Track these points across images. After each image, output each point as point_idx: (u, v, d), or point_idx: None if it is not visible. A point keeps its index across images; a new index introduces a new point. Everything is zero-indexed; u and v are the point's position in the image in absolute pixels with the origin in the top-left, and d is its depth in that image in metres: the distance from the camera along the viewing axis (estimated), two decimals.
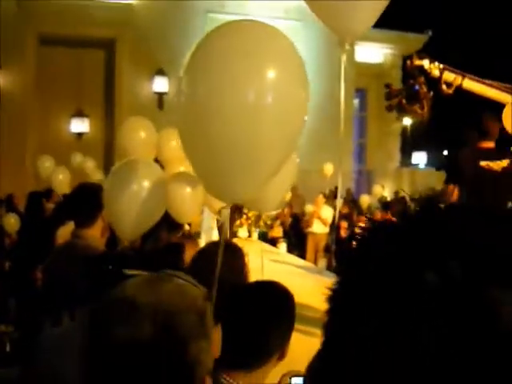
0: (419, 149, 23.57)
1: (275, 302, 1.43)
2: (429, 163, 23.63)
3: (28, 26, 12.10)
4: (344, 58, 2.69)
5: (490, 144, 4.47)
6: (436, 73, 5.40)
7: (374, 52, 16.21)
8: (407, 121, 20.85)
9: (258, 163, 1.69)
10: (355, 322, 0.37)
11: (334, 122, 13.75)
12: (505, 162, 4.30)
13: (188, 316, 0.85)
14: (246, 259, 1.94)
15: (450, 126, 24.06)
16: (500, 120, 4.46)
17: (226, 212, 1.77)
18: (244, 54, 1.64)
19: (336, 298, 0.40)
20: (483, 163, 4.30)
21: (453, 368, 0.32)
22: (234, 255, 1.91)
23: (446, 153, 27.42)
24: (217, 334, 0.95)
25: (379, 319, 0.35)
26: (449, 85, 5.60)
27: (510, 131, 5.01)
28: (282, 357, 1.41)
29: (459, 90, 5.42)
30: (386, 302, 0.35)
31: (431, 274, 0.34)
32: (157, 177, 2.94)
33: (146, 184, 2.87)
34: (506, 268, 0.33)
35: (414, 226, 0.39)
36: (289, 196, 9.88)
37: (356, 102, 16.32)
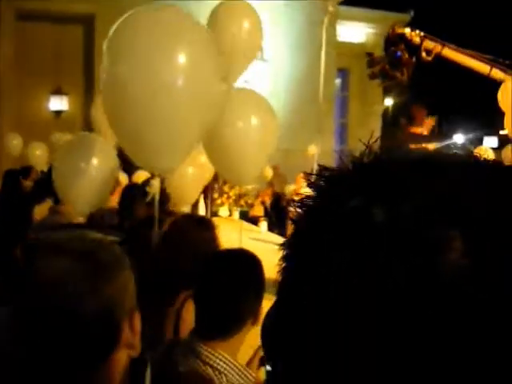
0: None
1: (243, 269, 1.45)
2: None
3: (5, 1, 11.80)
4: (326, 20, 2.74)
5: (418, 130, 5.34)
6: (417, 40, 5.81)
7: (357, 31, 16.16)
8: (389, 101, 20.93)
9: (176, 137, 1.84)
10: (310, 266, 0.36)
11: (315, 102, 13.82)
12: (432, 146, 5.16)
13: (109, 248, 0.90)
14: (217, 231, 1.97)
15: (429, 106, 24.21)
16: (426, 109, 5.24)
17: (156, 183, 1.89)
18: (161, 38, 1.77)
19: (290, 245, 0.40)
20: (412, 146, 5.05)
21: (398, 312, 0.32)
22: (204, 227, 1.94)
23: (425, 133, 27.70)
24: (190, 306, 0.96)
25: (336, 256, 0.35)
26: (429, 52, 5.98)
27: (503, 108, 5.38)
28: (255, 321, 1.43)
29: (439, 57, 5.79)
30: (337, 240, 0.35)
31: (379, 210, 0.34)
32: (106, 152, 2.94)
33: (95, 159, 2.85)
34: (451, 205, 0.34)
35: (362, 170, 0.40)
36: (270, 175, 9.89)
37: (338, 81, 16.30)
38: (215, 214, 9.47)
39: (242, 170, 2.69)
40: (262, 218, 9.28)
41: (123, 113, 1.81)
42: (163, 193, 3.59)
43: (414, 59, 5.74)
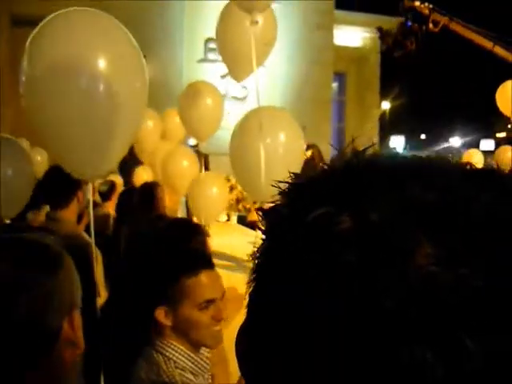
0: (397, 133, 23.74)
1: None
2: (406, 147, 23.84)
3: (1, 7, 11.79)
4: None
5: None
6: (426, 11, 6.47)
7: (354, 36, 16.19)
8: (386, 105, 20.98)
9: (99, 143, 1.82)
10: (279, 276, 0.36)
11: (311, 106, 13.83)
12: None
13: (43, 250, 0.91)
14: (208, 238, 1.97)
15: (427, 111, 24.29)
16: None
17: (89, 187, 1.95)
18: (78, 41, 1.76)
19: (259, 255, 0.40)
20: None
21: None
22: (194, 232, 1.94)
23: (423, 137, 27.69)
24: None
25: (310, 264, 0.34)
26: (436, 23, 6.59)
27: (501, 110, 5.53)
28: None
29: (445, 29, 6.43)
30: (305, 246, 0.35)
31: (346, 218, 0.34)
32: (22, 155, 2.95)
33: (11, 162, 2.83)
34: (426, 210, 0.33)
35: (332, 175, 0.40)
36: None
37: (335, 85, 16.32)
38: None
39: (265, 187, 2.66)
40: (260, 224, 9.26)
41: (43, 119, 1.80)
42: (156, 201, 3.59)
43: (424, 28, 6.45)
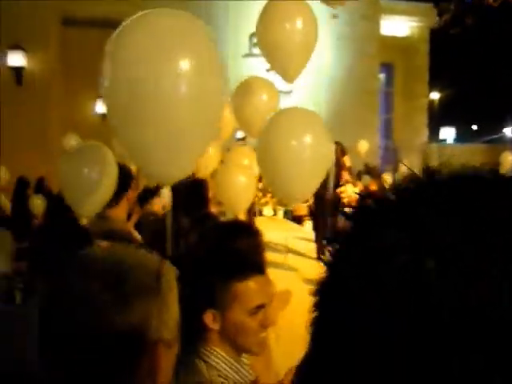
0: (447, 124, 23.14)
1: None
2: (457, 138, 23.21)
3: (51, 8, 12.13)
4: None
5: None
6: None
7: (401, 25, 15.85)
8: (435, 95, 20.47)
9: (181, 147, 1.80)
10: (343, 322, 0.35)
11: (355, 98, 13.64)
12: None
13: (138, 275, 0.87)
14: (261, 239, 1.95)
15: (478, 101, 23.55)
16: None
17: (166, 191, 1.91)
18: (160, 45, 1.73)
19: (324, 291, 0.39)
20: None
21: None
22: (246, 234, 1.92)
23: (475, 127, 26.85)
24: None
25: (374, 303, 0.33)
26: None
27: None
28: None
29: (504, 3, 6.66)
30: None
31: (431, 262, 0.32)
32: (108, 159, 3.01)
33: (98, 166, 2.93)
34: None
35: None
36: None
37: (382, 76, 16.03)
38: (260, 212, 9.46)
39: (291, 189, 2.65)
40: (306, 218, 9.22)
41: (126, 122, 1.79)
42: (206, 197, 3.62)
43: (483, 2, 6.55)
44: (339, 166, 6.80)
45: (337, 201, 6.89)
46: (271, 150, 2.61)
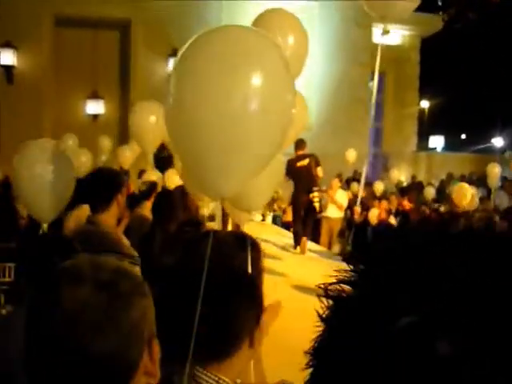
0: (436, 132, 23.30)
1: (242, 283, 1.38)
2: (446, 147, 23.36)
3: (44, 7, 12.07)
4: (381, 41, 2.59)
5: (300, 152, 7.78)
6: None
7: (392, 34, 15.94)
8: (424, 104, 20.61)
9: (244, 165, 1.77)
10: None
11: (348, 105, 13.69)
12: (305, 162, 7.70)
13: (128, 277, 0.90)
14: (262, 252, 1.92)
15: (467, 110, 23.74)
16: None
17: (219, 206, 1.87)
18: (229, 61, 1.67)
19: (319, 353, 0.38)
20: (297, 164, 7.66)
21: None
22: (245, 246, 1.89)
23: (463, 136, 27.05)
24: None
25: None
26: None
27: None
28: (252, 344, 1.36)
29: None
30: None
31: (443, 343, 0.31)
32: (62, 157, 2.97)
33: (52, 165, 2.86)
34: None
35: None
36: None
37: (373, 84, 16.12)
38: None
39: (251, 198, 2.58)
40: None
41: (188, 138, 1.74)
42: (188, 202, 3.62)
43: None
44: (312, 176, 7.82)
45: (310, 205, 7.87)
46: None
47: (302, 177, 7.72)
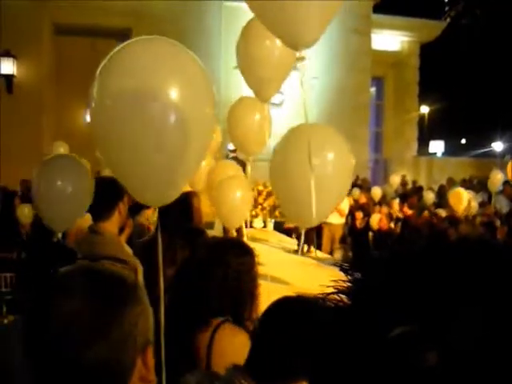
0: (436, 137, 23.32)
1: (314, 326, 1.33)
2: (446, 152, 23.37)
3: (43, 16, 12.12)
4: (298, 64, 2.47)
5: None
6: None
7: (392, 40, 16.00)
8: (424, 109, 20.64)
9: (166, 173, 1.80)
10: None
11: (348, 110, 13.72)
12: None
13: (120, 285, 0.90)
14: (256, 259, 1.93)
15: (467, 115, 23.77)
16: None
17: (153, 214, 1.95)
18: (149, 72, 1.71)
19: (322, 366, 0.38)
20: None
21: None
22: (241, 252, 1.90)
23: (464, 141, 27.08)
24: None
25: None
26: None
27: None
28: None
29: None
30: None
31: (431, 353, 0.31)
32: (83, 171, 3.01)
33: (72, 178, 2.92)
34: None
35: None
36: None
37: (373, 90, 16.15)
38: (250, 224, 9.44)
39: (316, 217, 2.39)
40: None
41: (112, 145, 1.78)
42: (192, 210, 3.61)
43: None
44: None
45: None
46: (289, 173, 2.49)
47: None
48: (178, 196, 3.96)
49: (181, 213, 3.49)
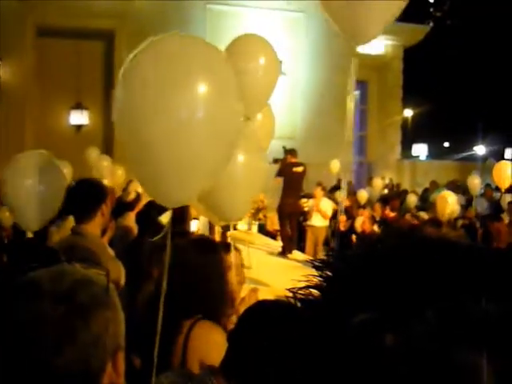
0: (420, 141, 23.54)
1: (291, 331, 1.34)
2: (429, 155, 23.60)
3: (27, 18, 12.04)
4: (354, 61, 2.73)
5: (294, 159, 8.16)
6: None
7: (375, 43, 16.12)
8: (408, 112, 20.82)
9: (191, 173, 1.78)
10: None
11: (332, 113, 13.79)
12: (300, 168, 8.09)
13: (89, 288, 0.87)
14: (222, 254, 1.95)
15: (450, 119, 24.02)
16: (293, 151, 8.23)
17: (169, 214, 1.89)
18: (175, 69, 1.68)
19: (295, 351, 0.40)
20: (293, 169, 8.04)
21: None
22: (206, 250, 1.91)
23: (446, 144, 27.36)
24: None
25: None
26: None
27: (497, 183, 7.86)
28: None
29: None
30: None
31: (390, 334, 0.34)
32: (54, 169, 2.98)
33: (44, 176, 2.88)
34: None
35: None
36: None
37: (357, 93, 16.26)
38: (234, 227, 9.44)
39: (229, 209, 2.62)
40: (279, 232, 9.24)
41: (137, 146, 1.75)
42: (184, 210, 3.62)
43: None
44: (302, 184, 8.48)
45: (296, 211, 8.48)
46: None
47: (294, 182, 8.08)
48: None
49: (178, 214, 3.50)
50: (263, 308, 1.39)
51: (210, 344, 1.73)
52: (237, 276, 2.29)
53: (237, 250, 2.41)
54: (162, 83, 1.66)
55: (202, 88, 1.68)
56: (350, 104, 3.38)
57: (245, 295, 2.25)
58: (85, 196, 2.73)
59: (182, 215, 3.58)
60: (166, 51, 1.73)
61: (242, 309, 1.50)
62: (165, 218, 3.68)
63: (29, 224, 2.94)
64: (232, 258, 2.28)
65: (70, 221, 3.15)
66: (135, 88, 1.71)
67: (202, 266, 1.86)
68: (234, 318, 1.53)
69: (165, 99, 1.66)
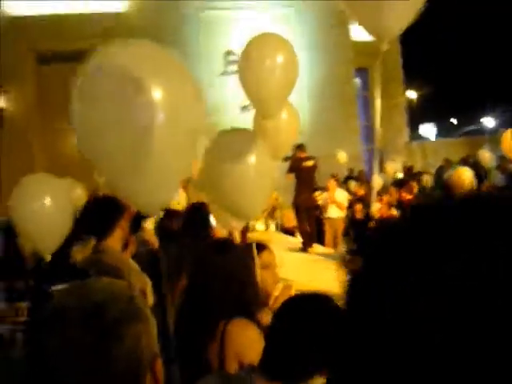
0: (427, 121, 23.37)
1: (328, 322, 1.29)
2: (438, 134, 23.42)
3: (24, 45, 12.13)
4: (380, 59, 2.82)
5: (303, 154, 8.21)
6: None
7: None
8: (412, 94, 20.69)
9: (158, 180, 1.77)
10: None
11: (335, 104, 13.73)
12: (311, 162, 8.22)
13: (115, 304, 0.86)
14: (256, 260, 1.95)
15: (455, 94, 23.80)
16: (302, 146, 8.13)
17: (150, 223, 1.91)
18: (125, 80, 1.66)
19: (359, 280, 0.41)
20: (303, 164, 8.16)
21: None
22: (223, 251, 1.93)
23: (454, 121, 27.07)
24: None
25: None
26: None
27: (506, 153, 7.58)
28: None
29: None
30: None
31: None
32: (62, 191, 3.00)
33: (51, 198, 2.88)
34: None
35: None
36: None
37: (358, 81, 16.20)
38: (252, 228, 9.45)
39: (246, 208, 2.63)
40: (296, 228, 9.23)
41: (101, 157, 1.76)
42: (204, 217, 3.64)
43: None
44: (314, 178, 8.57)
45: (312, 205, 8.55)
46: (216, 173, 2.59)
47: (306, 177, 8.19)
48: (191, 208, 3.93)
49: (200, 223, 3.53)
50: (297, 303, 1.40)
51: (246, 341, 1.74)
52: (272, 276, 2.31)
53: (269, 250, 2.43)
54: (112, 97, 1.66)
55: (157, 94, 1.66)
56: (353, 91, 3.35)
57: (278, 293, 2.27)
58: (102, 213, 2.75)
59: (203, 221, 3.60)
60: (115, 63, 1.72)
61: (276, 307, 1.51)
62: (150, 225, 3.72)
63: (43, 246, 2.95)
64: (266, 257, 2.30)
65: (92, 241, 3.17)
66: (88, 102, 1.72)
67: (219, 269, 1.87)
68: (268, 317, 1.54)
69: (116, 112, 1.65)
